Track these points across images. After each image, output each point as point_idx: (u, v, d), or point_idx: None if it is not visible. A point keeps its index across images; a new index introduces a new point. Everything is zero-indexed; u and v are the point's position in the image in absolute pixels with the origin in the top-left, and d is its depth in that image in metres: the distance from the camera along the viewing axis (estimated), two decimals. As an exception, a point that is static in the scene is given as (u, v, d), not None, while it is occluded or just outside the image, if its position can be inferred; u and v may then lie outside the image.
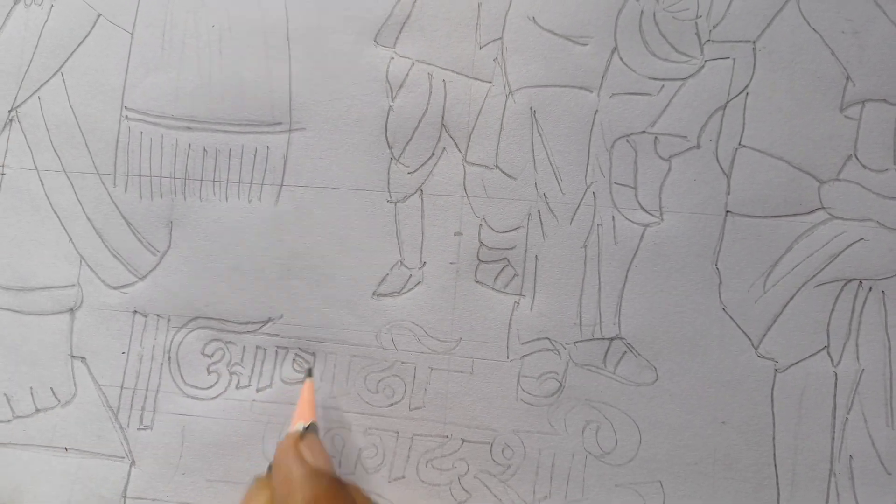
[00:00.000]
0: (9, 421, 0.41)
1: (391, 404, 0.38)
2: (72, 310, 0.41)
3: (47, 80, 0.42)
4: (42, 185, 0.42)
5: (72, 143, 0.42)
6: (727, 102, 0.37)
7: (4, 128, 0.42)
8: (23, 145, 0.42)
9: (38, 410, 0.41)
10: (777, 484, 0.36)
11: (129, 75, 0.41)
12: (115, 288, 0.41)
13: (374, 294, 0.39)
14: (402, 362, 0.39)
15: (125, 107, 0.41)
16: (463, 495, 0.37)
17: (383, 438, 0.38)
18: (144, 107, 0.41)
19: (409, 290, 0.39)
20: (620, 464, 0.37)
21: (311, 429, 0.35)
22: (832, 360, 0.36)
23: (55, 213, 0.41)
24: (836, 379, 0.36)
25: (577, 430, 0.37)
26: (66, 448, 0.40)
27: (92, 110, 0.42)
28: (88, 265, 0.41)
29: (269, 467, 0.34)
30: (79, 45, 0.42)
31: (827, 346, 0.36)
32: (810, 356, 0.36)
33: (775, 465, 0.36)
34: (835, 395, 0.36)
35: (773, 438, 0.36)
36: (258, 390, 0.39)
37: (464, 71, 0.39)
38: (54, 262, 0.41)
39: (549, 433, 0.37)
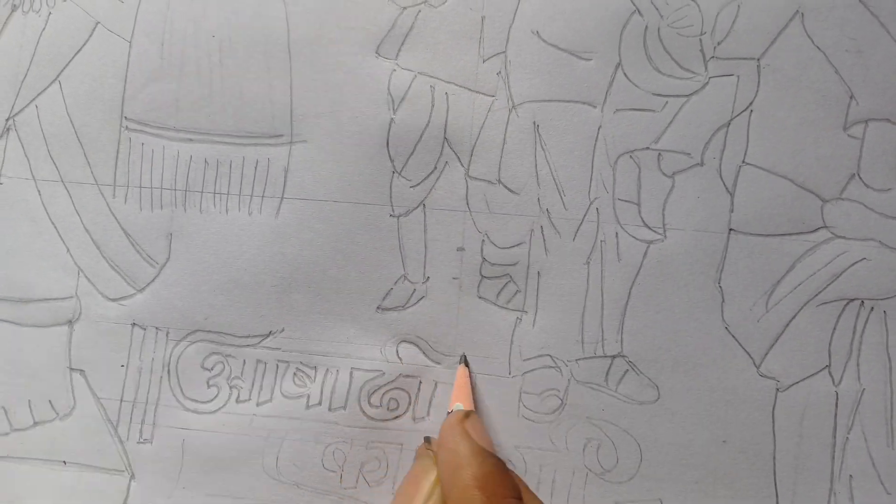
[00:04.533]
0: (6, 434, 0.40)
1: (395, 417, 0.38)
2: (70, 322, 0.41)
3: (45, 89, 0.42)
4: (40, 195, 0.41)
5: (70, 152, 0.41)
6: (731, 120, 0.37)
7: (1, 137, 0.42)
8: (20, 154, 0.42)
9: (36, 423, 0.40)
10: (777, 503, 0.36)
11: (128, 85, 0.41)
12: (113, 300, 0.40)
13: (378, 308, 0.39)
14: (406, 376, 0.39)
15: (125, 117, 0.41)
16: (464, 512, 0.37)
17: (386, 451, 0.38)
18: (145, 117, 0.41)
19: (413, 304, 0.39)
20: (621, 481, 0.37)
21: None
22: (833, 380, 0.36)
23: (53, 223, 0.41)
24: (837, 398, 0.36)
25: (578, 448, 0.37)
26: (64, 461, 0.40)
27: (90, 119, 0.41)
28: (87, 277, 0.41)
29: (426, 439, 0.34)
30: (76, 52, 0.41)
31: (828, 366, 0.36)
32: (812, 375, 0.36)
33: (776, 484, 0.36)
34: (836, 415, 0.36)
35: (774, 457, 0.36)
36: (258, 404, 0.39)
37: (467, 84, 0.39)
38: (52, 273, 0.41)
39: (550, 450, 0.37)
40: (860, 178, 0.36)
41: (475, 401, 0.38)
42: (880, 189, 0.36)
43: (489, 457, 0.29)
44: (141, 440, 0.40)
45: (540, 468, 0.37)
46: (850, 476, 0.36)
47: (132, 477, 0.40)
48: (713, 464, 0.36)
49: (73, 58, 0.41)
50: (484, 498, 0.27)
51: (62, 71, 0.42)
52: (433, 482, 0.31)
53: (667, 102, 0.37)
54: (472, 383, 0.38)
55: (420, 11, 0.39)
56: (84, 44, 0.41)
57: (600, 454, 0.37)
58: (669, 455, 0.37)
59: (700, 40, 0.37)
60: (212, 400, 0.40)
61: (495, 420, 0.38)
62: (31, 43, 0.42)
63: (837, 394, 0.36)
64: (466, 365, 0.38)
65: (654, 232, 0.37)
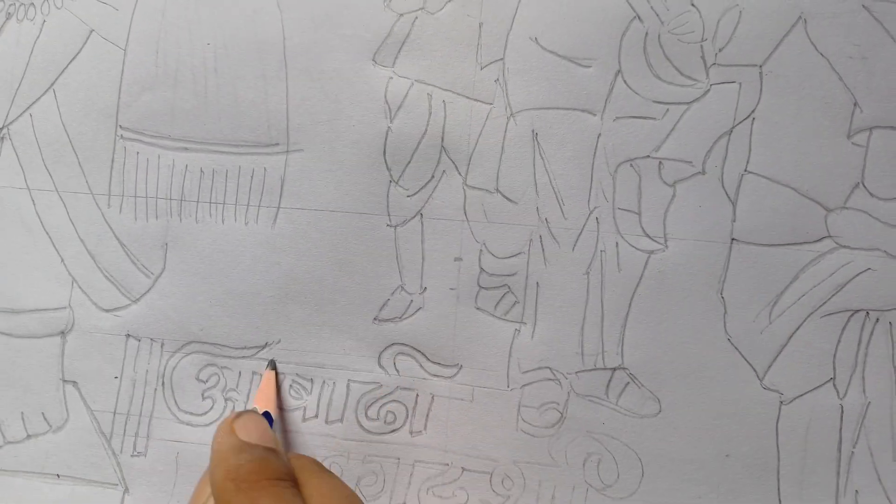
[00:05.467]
0: (0, 447, 0.40)
1: (392, 430, 0.38)
2: (63, 333, 0.40)
3: (39, 97, 0.41)
4: (34, 204, 0.41)
5: (64, 161, 0.41)
6: (733, 127, 0.36)
7: (-5, 146, 0.41)
8: (14, 164, 0.41)
9: (29, 436, 0.40)
10: (781, 518, 0.35)
11: (122, 93, 0.41)
12: (107, 311, 0.40)
13: (375, 319, 0.38)
14: (403, 388, 0.38)
15: (120, 126, 0.40)
16: (462, 527, 0.37)
17: (384, 465, 0.38)
18: (140, 126, 0.40)
19: (410, 315, 0.38)
20: (622, 497, 0.36)
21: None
22: (838, 393, 0.35)
23: (47, 233, 0.41)
24: (843, 412, 0.35)
25: (578, 462, 0.37)
26: (57, 475, 0.39)
27: (85, 128, 0.41)
28: (80, 287, 0.40)
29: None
30: (71, 61, 0.41)
31: (833, 378, 0.36)
32: (816, 388, 0.36)
33: (780, 500, 0.35)
34: (840, 429, 0.35)
35: (778, 472, 0.35)
36: (254, 417, 0.39)
37: (464, 92, 0.38)
38: (46, 283, 0.40)
39: (550, 465, 0.37)
40: (864, 186, 0.36)
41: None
42: (885, 198, 0.36)
43: (251, 448, 0.29)
44: (135, 453, 0.39)
45: (539, 483, 0.37)
46: (856, 491, 0.35)
47: (126, 490, 0.39)
48: (716, 479, 0.36)
49: (67, 66, 0.41)
50: (234, 488, 0.27)
51: (56, 79, 0.41)
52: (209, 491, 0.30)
53: (668, 110, 0.37)
54: (277, 387, 0.38)
55: (417, 18, 0.38)
56: (78, 52, 0.41)
57: (601, 469, 0.36)
58: (672, 470, 0.36)
59: (701, 47, 0.37)
60: (207, 412, 0.39)
61: (493, 433, 0.37)
62: (26, 51, 0.41)
63: (842, 407, 0.35)
64: (274, 369, 0.38)
65: (655, 242, 0.37)
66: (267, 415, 0.35)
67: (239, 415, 0.31)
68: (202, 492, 0.31)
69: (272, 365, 0.38)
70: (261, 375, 0.39)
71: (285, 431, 0.38)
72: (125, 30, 0.41)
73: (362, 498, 0.37)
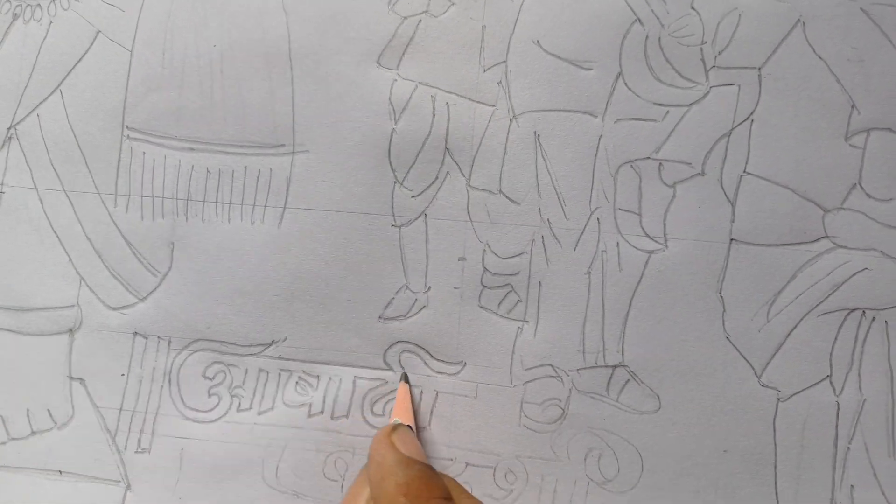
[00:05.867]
0: (3, 443, 0.40)
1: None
2: (71, 331, 0.41)
3: (46, 98, 0.42)
4: (41, 203, 0.41)
5: (71, 161, 0.41)
6: (732, 129, 0.37)
7: (3, 145, 0.42)
8: (22, 163, 0.42)
9: (33, 433, 0.40)
10: (779, 512, 0.36)
11: (129, 93, 0.41)
12: (115, 309, 0.40)
13: (380, 317, 0.39)
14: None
15: (126, 126, 0.41)
16: (466, 522, 0.37)
17: (386, 463, 0.38)
18: (146, 126, 0.41)
19: (415, 314, 0.39)
20: (622, 491, 0.37)
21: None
22: (834, 390, 0.36)
23: (55, 232, 0.41)
24: (839, 409, 0.36)
25: (579, 458, 0.37)
26: (60, 471, 0.40)
27: (92, 129, 0.41)
28: (88, 286, 0.41)
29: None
30: (77, 61, 0.41)
31: (829, 376, 0.36)
32: (813, 385, 0.36)
33: (776, 495, 0.36)
34: (837, 425, 0.36)
35: (775, 467, 0.36)
36: (260, 413, 0.39)
37: (467, 94, 0.39)
38: (53, 282, 0.41)
39: (552, 459, 0.37)
40: (861, 187, 0.36)
41: (418, 416, 0.38)
42: (882, 199, 0.36)
43: (414, 464, 0.30)
44: (139, 450, 0.40)
45: (541, 478, 0.37)
46: (852, 486, 0.36)
47: (128, 487, 0.40)
48: (714, 474, 0.36)
49: (74, 67, 0.42)
50: (407, 502, 0.28)
51: (63, 80, 0.42)
52: (367, 496, 0.32)
53: (668, 112, 0.38)
54: (412, 399, 0.38)
55: (421, 21, 0.39)
56: (85, 53, 0.41)
57: (602, 464, 0.37)
58: (671, 465, 0.37)
59: (701, 49, 0.37)
60: (213, 409, 0.40)
61: (496, 429, 0.38)
62: (32, 52, 0.42)
63: (839, 404, 0.36)
64: (407, 382, 0.38)
65: (655, 242, 0.37)
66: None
67: (395, 428, 0.32)
68: (355, 501, 0.32)
69: (404, 377, 0.39)
70: (267, 373, 0.39)
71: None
72: (132, 31, 0.41)
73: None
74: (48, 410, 0.40)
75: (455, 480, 0.33)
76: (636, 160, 0.38)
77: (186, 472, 0.39)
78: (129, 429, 0.40)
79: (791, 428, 0.36)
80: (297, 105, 0.40)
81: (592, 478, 0.37)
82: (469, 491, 0.33)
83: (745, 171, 0.37)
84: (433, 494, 0.29)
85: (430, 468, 0.31)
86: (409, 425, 0.36)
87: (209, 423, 0.39)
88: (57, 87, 0.42)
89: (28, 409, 0.40)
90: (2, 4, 0.42)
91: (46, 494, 0.40)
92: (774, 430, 0.36)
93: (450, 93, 0.39)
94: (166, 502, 0.39)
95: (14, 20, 0.42)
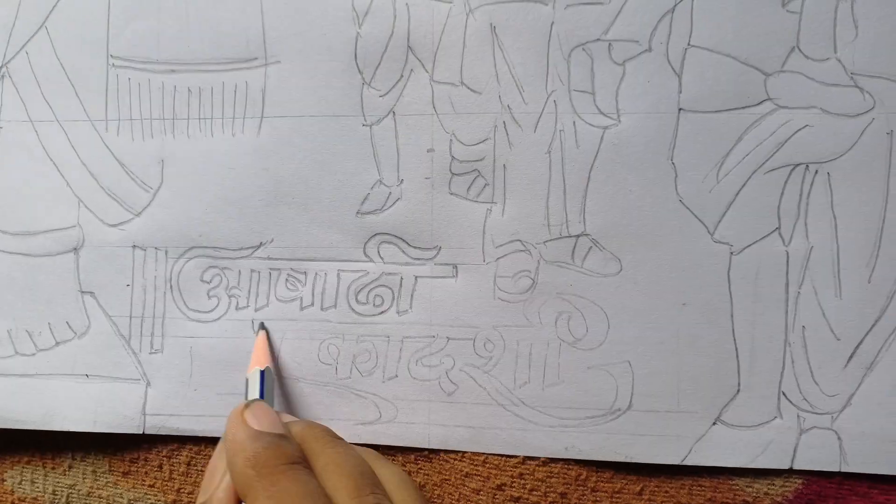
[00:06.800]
0: (33, 354, 0.44)
1: (381, 312, 0.41)
2: (76, 249, 0.44)
3: (33, 35, 0.44)
4: (37, 135, 0.44)
5: (62, 93, 0.44)
6: (675, 6, 0.39)
7: (-3, 83, 0.44)
8: (16, 99, 0.44)
9: (57, 343, 0.44)
10: (737, 357, 0.39)
11: (111, 25, 0.43)
12: (113, 226, 0.44)
13: (358, 213, 0.42)
14: (389, 273, 0.41)
15: (111, 55, 0.43)
16: (451, 387, 0.41)
17: (375, 343, 0.41)
18: (129, 54, 0.43)
19: (390, 206, 0.41)
20: (592, 348, 0.40)
21: (265, 375, 0.39)
22: (783, 240, 0.39)
23: (52, 160, 0.44)
24: (788, 257, 0.39)
25: (550, 321, 0.40)
26: (87, 375, 0.44)
27: (79, 60, 0.44)
28: (87, 206, 0.44)
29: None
30: (59, -2, 0.44)
31: (778, 228, 0.39)
32: (763, 238, 0.39)
33: (734, 340, 0.39)
34: (787, 272, 0.39)
35: (732, 316, 0.39)
36: (256, 309, 0.42)
37: (426, -5, 0.41)
38: (55, 206, 0.44)
39: (526, 326, 0.40)
40: (800, 49, 0.38)
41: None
42: (819, 59, 0.38)
43: (263, 436, 0.32)
44: (152, 351, 0.43)
45: (517, 343, 0.40)
46: (803, 327, 0.38)
47: (148, 384, 0.43)
48: (675, 326, 0.39)
49: (56, 3, 0.44)
50: (255, 474, 0.30)
51: (48, 16, 0.44)
52: (224, 470, 0.33)
53: (614, -6, 0.39)
54: (271, 346, 0.42)
55: (376, -72, 0.41)
56: (66, -11, 0.44)
57: (571, 325, 0.40)
58: (634, 321, 0.39)
59: (642, -68, 0.39)
60: (213, 309, 0.43)
61: (473, 304, 0.41)
62: (16, -8, 0.44)
63: (788, 253, 0.39)
64: (265, 330, 0.42)
65: (609, 118, 0.40)
66: (265, 372, 0.39)
67: (248, 405, 0.34)
68: (214, 476, 0.34)
69: (262, 327, 0.42)
70: (258, 273, 0.42)
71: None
72: (107, -36, 0.43)
73: (359, 374, 0.41)
74: (67, 322, 0.44)
75: (329, 430, 0.35)
76: (587, 42, 0.40)
77: (198, 366, 0.43)
78: (141, 333, 0.43)
79: (745, 278, 0.39)
80: (266, 18, 0.42)
81: (564, 339, 0.40)
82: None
83: (689, 44, 0.39)
84: (280, 461, 0.31)
85: (281, 437, 0.32)
86: (267, 367, 0.39)
87: (212, 322, 0.43)
88: (42, 23, 0.44)
89: (49, 323, 0.44)
90: (-18, -53, 0.44)
91: (79, 395, 0.44)
92: (729, 282, 0.39)
93: (408, -5, 0.41)
94: (184, 394, 0.43)
95: (-5, -37, 0.44)
